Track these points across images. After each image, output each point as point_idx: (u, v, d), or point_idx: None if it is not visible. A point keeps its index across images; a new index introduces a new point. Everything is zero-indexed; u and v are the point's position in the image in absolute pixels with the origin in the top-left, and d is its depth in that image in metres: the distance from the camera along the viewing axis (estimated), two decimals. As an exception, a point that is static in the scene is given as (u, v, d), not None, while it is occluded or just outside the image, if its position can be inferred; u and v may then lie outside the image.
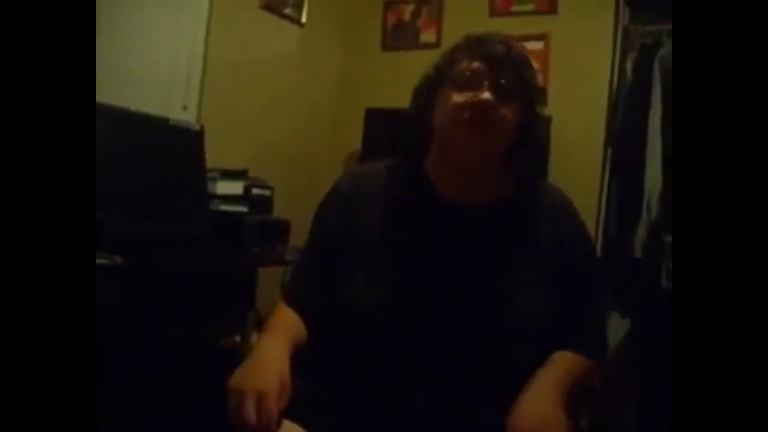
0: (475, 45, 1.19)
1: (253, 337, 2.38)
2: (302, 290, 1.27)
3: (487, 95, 1.13)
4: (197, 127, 2.34)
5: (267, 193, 2.67)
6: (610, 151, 3.22)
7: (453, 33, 3.52)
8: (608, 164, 3.23)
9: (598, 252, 3.13)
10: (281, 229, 2.57)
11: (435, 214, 1.22)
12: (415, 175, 1.25)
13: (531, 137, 1.21)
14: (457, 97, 1.15)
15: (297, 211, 2.40)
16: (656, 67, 3.11)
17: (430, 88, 1.22)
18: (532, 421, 1.05)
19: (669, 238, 3.09)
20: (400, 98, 1.42)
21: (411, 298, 1.16)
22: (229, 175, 2.52)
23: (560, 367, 1.16)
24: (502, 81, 1.15)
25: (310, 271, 1.28)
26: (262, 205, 2.61)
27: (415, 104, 1.26)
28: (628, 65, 3.20)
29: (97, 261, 1.61)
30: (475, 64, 1.16)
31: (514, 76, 1.16)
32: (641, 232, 3.08)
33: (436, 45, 3.56)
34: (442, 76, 1.20)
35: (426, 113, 1.22)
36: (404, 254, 1.20)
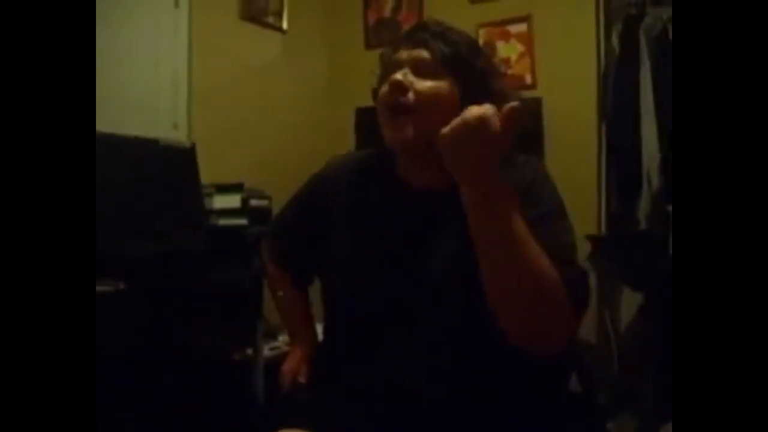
0: (408, 34, 1.18)
1: (266, 348, 2.38)
2: (290, 254, 1.39)
3: (397, 75, 1.11)
4: (188, 145, 2.34)
5: (265, 203, 2.66)
6: (604, 127, 3.21)
7: (435, 24, 3.52)
8: (604, 140, 3.22)
9: (603, 230, 3.13)
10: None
11: (399, 201, 1.21)
12: (384, 165, 1.24)
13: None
14: (383, 88, 1.14)
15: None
16: (642, 37, 3.10)
17: (378, 87, 1.20)
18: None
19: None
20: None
21: (374, 288, 1.17)
22: (225, 189, 2.52)
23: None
24: (424, 58, 1.12)
25: (294, 236, 1.37)
26: (262, 215, 2.60)
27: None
28: (614, 39, 3.19)
29: (101, 288, 1.61)
30: (401, 53, 1.15)
31: (442, 51, 1.13)
32: (644, 204, 3.06)
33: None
34: (383, 77, 1.18)
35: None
36: (367, 243, 1.20)
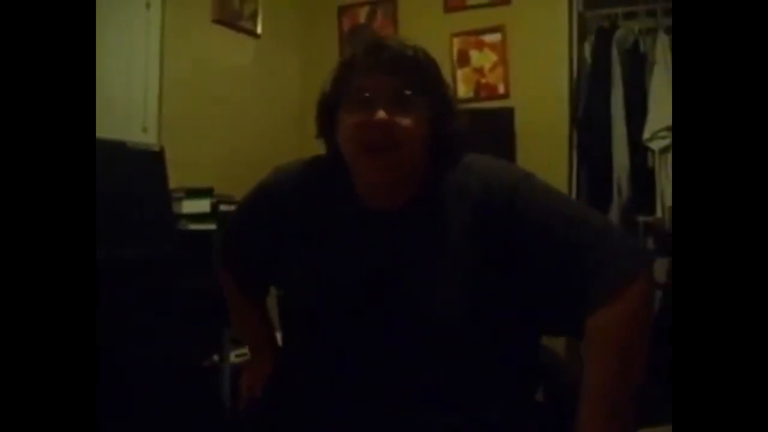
0: (368, 54, 1.11)
1: (232, 355, 2.35)
2: (244, 268, 1.35)
3: (381, 114, 1.06)
4: (157, 148, 2.30)
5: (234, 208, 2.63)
6: (575, 137, 3.24)
7: (409, 31, 3.51)
8: (575, 151, 3.24)
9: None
10: (252, 243, 2.53)
11: (359, 222, 1.17)
12: (337, 178, 1.19)
13: (445, 132, 1.14)
14: (353, 118, 1.09)
15: (267, 224, 2.36)
16: (614, 49, 3.14)
17: (329, 108, 1.15)
18: None
19: (644, 218, 3.11)
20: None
21: (331, 305, 1.15)
22: (194, 193, 2.48)
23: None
24: (400, 89, 1.08)
25: (247, 251, 1.33)
26: (231, 221, 2.57)
27: (318, 125, 1.19)
28: (587, 50, 3.22)
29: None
30: (369, 79, 1.09)
31: (415, 79, 1.09)
32: (614, 215, 3.10)
33: (394, 45, 3.55)
34: (338, 93, 1.13)
35: (329, 133, 1.17)
36: (330, 266, 1.17)
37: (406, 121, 1.07)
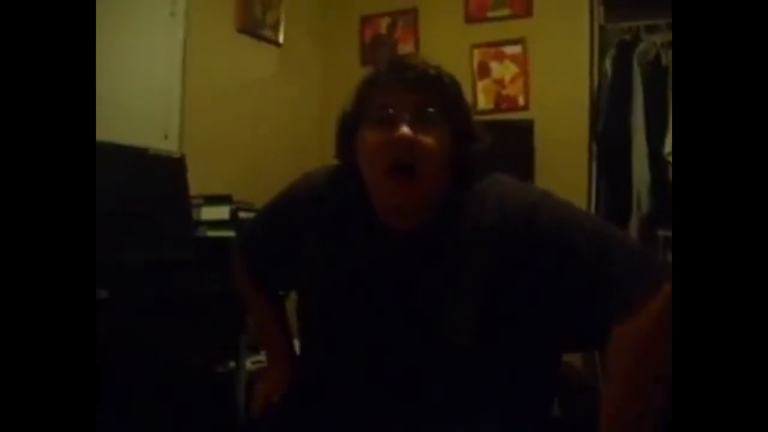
0: (392, 72, 1.11)
1: (248, 362, 2.35)
2: (265, 273, 1.37)
3: (405, 130, 1.06)
4: (178, 155, 2.33)
5: (254, 216, 2.64)
6: (595, 150, 3.22)
7: (430, 43, 3.54)
8: (594, 163, 3.23)
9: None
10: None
11: (376, 241, 1.16)
12: (356, 193, 1.18)
13: (465, 152, 1.14)
14: (375, 135, 1.09)
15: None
16: (635, 62, 3.13)
17: (349, 127, 1.15)
18: None
19: (664, 232, 3.08)
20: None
21: (347, 319, 1.16)
22: (213, 200, 2.50)
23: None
24: (423, 106, 1.08)
25: (268, 257, 1.34)
26: (250, 228, 2.58)
27: (338, 145, 1.20)
28: (608, 63, 3.21)
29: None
30: (393, 96, 1.09)
31: (437, 98, 1.09)
32: (633, 228, 3.08)
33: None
34: (360, 112, 1.13)
35: (348, 154, 1.17)
36: (347, 283, 1.17)
37: (428, 139, 1.07)
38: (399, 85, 1.09)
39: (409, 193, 1.09)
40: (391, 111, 1.08)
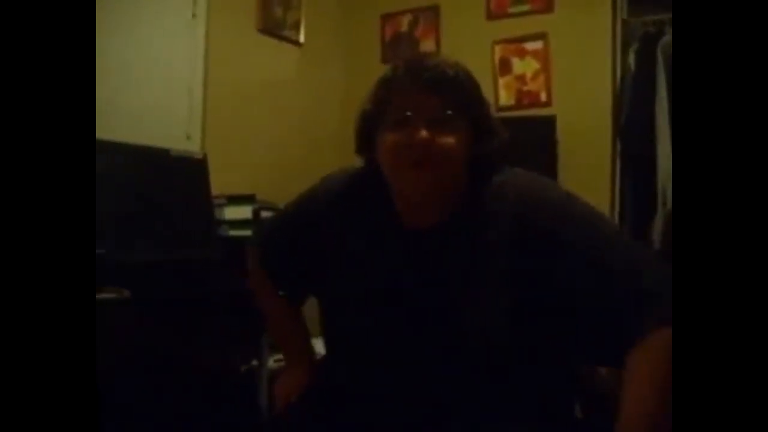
0: (409, 73, 1.11)
1: (271, 360, 2.36)
2: (284, 276, 1.36)
3: (423, 134, 1.06)
4: (200, 156, 2.34)
5: (276, 215, 2.65)
6: (618, 145, 3.19)
7: (451, 40, 3.53)
8: (618, 159, 3.20)
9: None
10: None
11: (398, 240, 1.17)
12: (378, 194, 1.19)
13: (484, 151, 1.14)
14: (394, 137, 1.09)
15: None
16: (660, 55, 3.09)
17: (368, 126, 1.16)
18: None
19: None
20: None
21: (369, 320, 1.17)
22: (236, 200, 2.51)
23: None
24: (441, 108, 1.08)
25: (288, 259, 1.33)
26: (272, 227, 2.59)
27: (358, 142, 1.20)
28: (631, 57, 3.18)
29: (105, 295, 1.61)
30: (410, 98, 1.09)
31: (455, 98, 1.09)
32: (659, 224, 3.04)
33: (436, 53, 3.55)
34: (379, 112, 1.13)
35: (368, 151, 1.18)
36: (369, 283, 1.18)
37: (446, 141, 1.08)
38: (417, 87, 1.09)
39: (426, 189, 1.10)
40: (408, 114, 1.08)
